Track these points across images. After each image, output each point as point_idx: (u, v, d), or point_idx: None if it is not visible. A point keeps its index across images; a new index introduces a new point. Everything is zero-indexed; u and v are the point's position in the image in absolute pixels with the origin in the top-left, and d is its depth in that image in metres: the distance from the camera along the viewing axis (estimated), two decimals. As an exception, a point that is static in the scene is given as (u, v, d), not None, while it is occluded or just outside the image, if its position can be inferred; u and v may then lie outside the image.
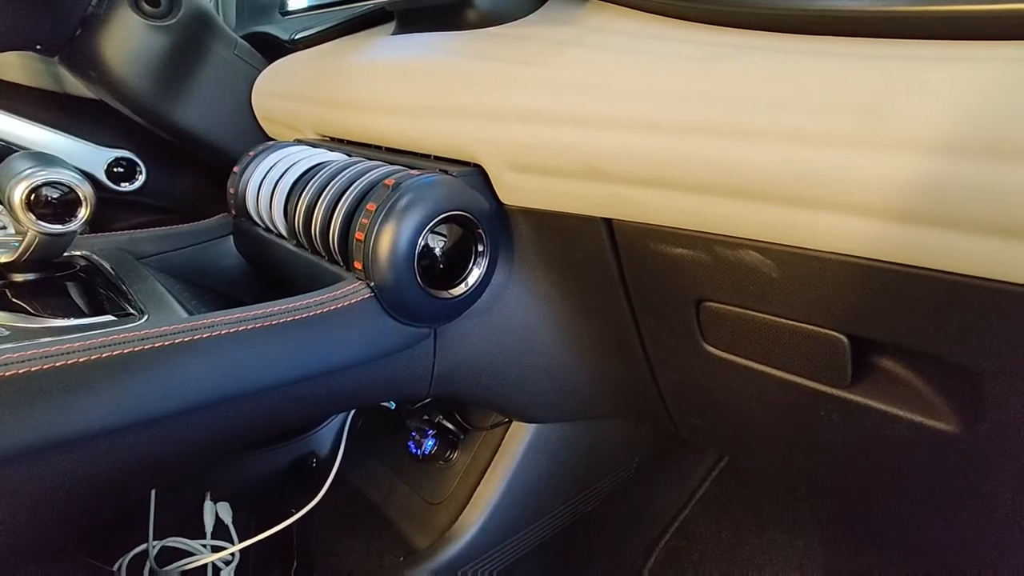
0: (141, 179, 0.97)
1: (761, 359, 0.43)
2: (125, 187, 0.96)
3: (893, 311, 0.33)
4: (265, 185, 0.61)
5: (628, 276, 0.47)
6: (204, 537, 0.77)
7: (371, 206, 0.46)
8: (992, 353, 0.31)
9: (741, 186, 0.35)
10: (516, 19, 0.56)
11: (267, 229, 0.63)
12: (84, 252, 0.59)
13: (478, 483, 0.67)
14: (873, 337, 0.35)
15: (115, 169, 0.95)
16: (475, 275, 0.50)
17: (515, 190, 0.49)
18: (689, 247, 0.41)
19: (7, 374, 0.34)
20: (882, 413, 0.37)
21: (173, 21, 0.77)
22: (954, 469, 0.36)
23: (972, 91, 0.28)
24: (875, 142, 0.30)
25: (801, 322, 0.38)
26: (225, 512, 0.80)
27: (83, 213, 0.48)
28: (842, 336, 0.37)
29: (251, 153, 0.66)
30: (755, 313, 0.41)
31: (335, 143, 0.70)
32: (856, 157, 0.30)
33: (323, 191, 0.53)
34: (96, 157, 0.93)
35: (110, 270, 0.55)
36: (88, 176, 0.81)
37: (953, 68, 0.29)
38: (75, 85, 0.93)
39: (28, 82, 0.95)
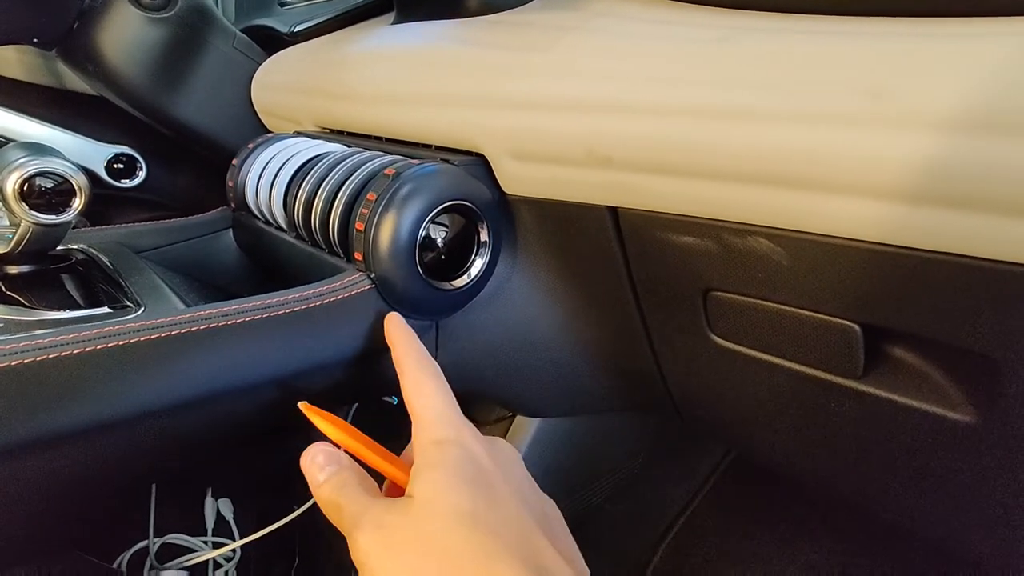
0: (141, 175, 0.97)
1: (770, 349, 0.42)
2: (125, 183, 0.96)
3: (906, 297, 0.32)
4: (264, 177, 0.60)
5: (633, 266, 0.46)
6: (205, 533, 0.77)
7: (371, 196, 0.46)
8: (1009, 339, 0.30)
9: (750, 170, 0.34)
10: (517, 6, 0.56)
11: (266, 222, 0.62)
12: (81, 245, 0.58)
13: (481, 478, 0.67)
14: (886, 325, 0.34)
15: (115, 165, 0.94)
16: (477, 266, 0.49)
17: (518, 179, 0.49)
18: (696, 235, 0.40)
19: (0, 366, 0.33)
20: (896, 404, 0.36)
21: (171, 14, 0.77)
22: (971, 461, 0.35)
23: (984, 67, 0.27)
24: (886, 122, 0.29)
25: (812, 311, 0.37)
26: (226, 508, 0.80)
27: (77, 203, 0.47)
28: (854, 324, 0.36)
29: (250, 145, 0.65)
30: (764, 302, 0.40)
31: (335, 135, 0.69)
32: (867, 138, 0.30)
33: (323, 182, 0.52)
34: (96, 153, 0.93)
35: (107, 263, 0.55)
36: (88, 172, 0.81)
37: (963, 44, 0.28)
38: (74, 81, 0.93)
39: (27, 78, 0.94)
